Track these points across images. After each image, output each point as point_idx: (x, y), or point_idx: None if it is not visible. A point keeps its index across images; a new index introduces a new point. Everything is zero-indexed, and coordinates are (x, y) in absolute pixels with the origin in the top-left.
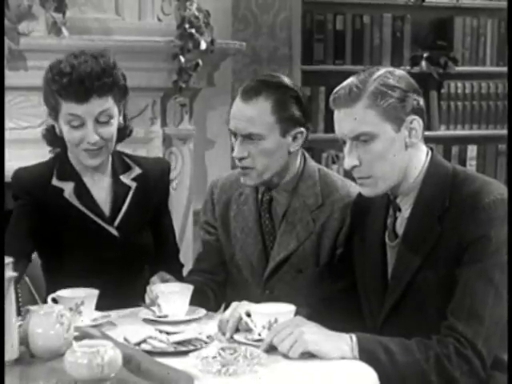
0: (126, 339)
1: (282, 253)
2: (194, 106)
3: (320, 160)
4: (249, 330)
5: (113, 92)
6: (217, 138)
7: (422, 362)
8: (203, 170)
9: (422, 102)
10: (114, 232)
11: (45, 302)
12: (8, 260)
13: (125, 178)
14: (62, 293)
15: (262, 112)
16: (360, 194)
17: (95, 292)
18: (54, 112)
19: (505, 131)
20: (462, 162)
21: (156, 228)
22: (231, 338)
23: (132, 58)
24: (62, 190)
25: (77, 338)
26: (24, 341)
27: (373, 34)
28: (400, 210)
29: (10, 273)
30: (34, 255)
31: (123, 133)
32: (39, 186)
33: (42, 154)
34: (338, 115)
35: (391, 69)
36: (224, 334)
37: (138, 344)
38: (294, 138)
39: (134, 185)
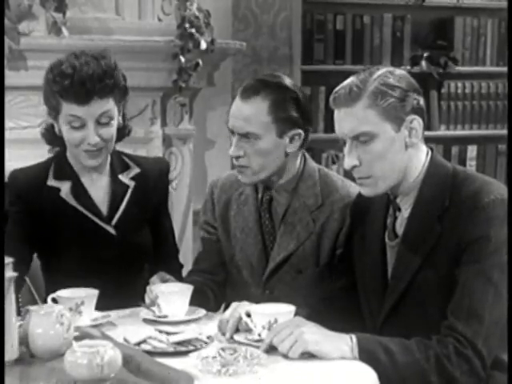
0: (125, 339)
1: (282, 253)
2: (194, 105)
3: (320, 160)
4: (249, 331)
5: (114, 93)
6: (217, 137)
7: (422, 361)
8: (203, 169)
9: (422, 101)
10: (112, 231)
11: (45, 302)
12: (8, 260)
13: (123, 177)
14: (62, 293)
15: (258, 111)
16: (360, 194)
17: (95, 292)
18: (54, 112)
19: (505, 131)
20: (462, 162)
21: (155, 228)
22: (231, 338)
23: (132, 58)
24: (58, 190)
25: (77, 338)
26: (24, 341)
27: (373, 33)
28: (400, 209)
29: (10, 273)
30: (34, 255)
31: (122, 132)
32: (34, 187)
33: (41, 153)
34: (338, 115)
35: (391, 68)
36: (224, 334)
37: (138, 344)
38: (292, 140)
39: (132, 184)
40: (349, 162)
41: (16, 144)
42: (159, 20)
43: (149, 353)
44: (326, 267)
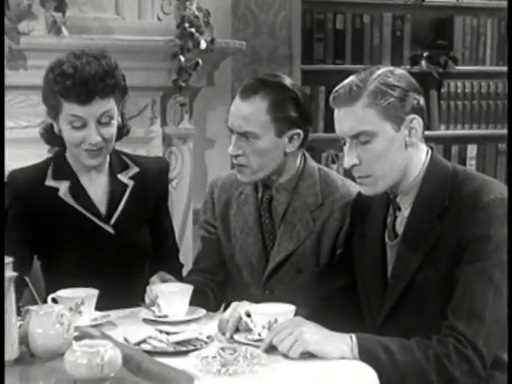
0: (125, 339)
1: (282, 253)
2: (194, 105)
3: (320, 160)
4: (249, 330)
5: (114, 93)
6: (217, 137)
7: (422, 361)
8: (203, 169)
9: (422, 101)
10: (110, 230)
11: (45, 301)
12: (8, 260)
13: (122, 177)
14: (62, 293)
15: (257, 111)
16: (360, 193)
17: (95, 292)
18: (54, 111)
19: (505, 131)
20: (462, 161)
21: (155, 227)
22: (231, 338)
23: (132, 58)
24: (56, 190)
25: (77, 338)
26: (24, 341)
27: (373, 33)
28: (400, 209)
29: (9, 273)
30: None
31: (121, 132)
32: (33, 187)
33: (41, 153)
34: (338, 114)
35: (392, 68)
36: (224, 333)
37: (138, 344)
38: (291, 139)
39: (131, 183)
40: (348, 160)
41: (16, 143)
42: (159, 19)
43: (149, 352)
44: (326, 267)
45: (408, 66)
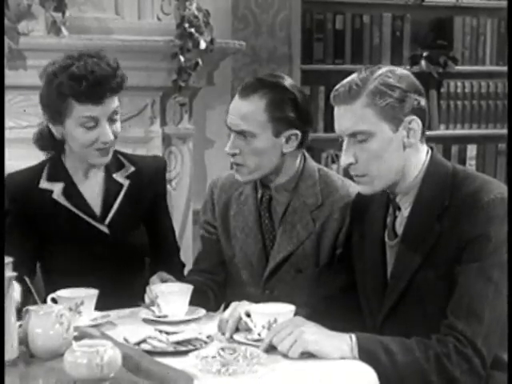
0: (125, 339)
1: (282, 253)
2: (194, 105)
3: (320, 159)
4: (248, 330)
5: (120, 90)
6: (216, 137)
7: (422, 361)
8: (203, 169)
9: (423, 102)
10: (105, 230)
11: (44, 302)
12: (8, 260)
13: (118, 177)
14: (62, 293)
15: (255, 110)
16: (360, 194)
17: (95, 292)
18: (60, 116)
19: (504, 131)
20: (462, 161)
21: (153, 226)
22: (231, 337)
23: (131, 58)
24: (50, 192)
25: (76, 338)
26: (24, 341)
27: (372, 33)
28: (400, 208)
29: (9, 273)
30: None
31: None
32: (27, 189)
33: (41, 153)
34: (337, 112)
35: (394, 68)
36: (224, 333)
37: (138, 344)
38: (288, 140)
39: (126, 183)
40: (345, 159)
41: (16, 143)
42: (159, 20)
43: (148, 352)
44: (326, 267)
45: (408, 66)
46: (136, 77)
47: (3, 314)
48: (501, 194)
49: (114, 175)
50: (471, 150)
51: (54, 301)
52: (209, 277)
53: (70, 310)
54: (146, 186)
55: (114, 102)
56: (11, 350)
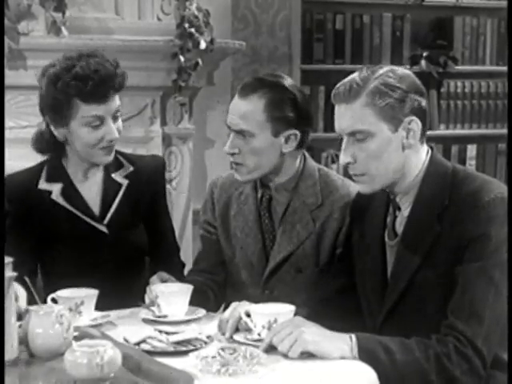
0: (125, 339)
1: (282, 253)
2: (194, 105)
3: (320, 159)
4: (248, 330)
5: (122, 88)
6: (216, 137)
7: (422, 361)
8: (203, 169)
9: (423, 103)
10: (104, 230)
11: (44, 302)
12: (8, 260)
13: (116, 176)
14: (62, 293)
15: (254, 109)
16: (360, 193)
17: (95, 292)
18: (64, 118)
19: (504, 130)
20: (462, 161)
21: (153, 226)
22: (231, 337)
23: (131, 58)
24: (49, 192)
25: (76, 338)
26: (24, 341)
27: (372, 33)
28: (400, 208)
29: (9, 273)
30: None
31: None
32: (26, 191)
33: None
34: (337, 110)
35: (395, 68)
36: (224, 333)
37: (138, 344)
38: (287, 140)
39: (125, 182)
40: (343, 158)
41: (16, 143)
42: (159, 20)
43: (149, 352)
44: (326, 267)
45: (408, 66)
46: (136, 77)
47: (3, 314)
48: (501, 194)
49: (113, 175)
50: (471, 149)
51: (54, 301)
52: (209, 277)
53: (70, 310)
54: (145, 186)
55: (117, 101)
56: (11, 350)
